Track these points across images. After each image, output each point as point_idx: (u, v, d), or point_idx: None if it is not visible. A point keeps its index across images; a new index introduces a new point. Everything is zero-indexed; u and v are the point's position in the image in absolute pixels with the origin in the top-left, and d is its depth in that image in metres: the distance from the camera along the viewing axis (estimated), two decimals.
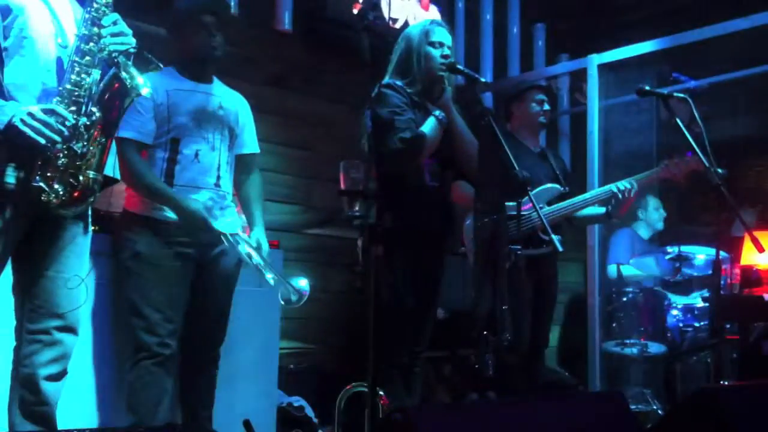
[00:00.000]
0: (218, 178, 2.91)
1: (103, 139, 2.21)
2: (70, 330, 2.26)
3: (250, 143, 3.09)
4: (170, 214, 2.79)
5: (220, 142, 2.92)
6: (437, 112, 2.90)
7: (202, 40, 2.87)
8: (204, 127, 2.88)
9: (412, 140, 2.81)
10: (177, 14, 2.95)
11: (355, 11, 4.26)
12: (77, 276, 2.26)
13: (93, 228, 2.91)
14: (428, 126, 2.88)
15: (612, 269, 4.94)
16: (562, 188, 3.61)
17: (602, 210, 3.60)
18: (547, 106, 3.73)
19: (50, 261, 2.22)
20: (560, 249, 2.69)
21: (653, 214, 5.36)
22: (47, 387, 2.22)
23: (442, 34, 3.01)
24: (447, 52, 2.98)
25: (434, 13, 4.87)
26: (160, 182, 2.78)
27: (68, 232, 2.26)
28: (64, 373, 2.26)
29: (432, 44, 2.97)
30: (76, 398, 2.81)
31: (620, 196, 3.46)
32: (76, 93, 2.16)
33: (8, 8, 2.18)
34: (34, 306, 2.21)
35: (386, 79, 2.95)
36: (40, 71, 2.20)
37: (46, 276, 2.21)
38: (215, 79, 3.01)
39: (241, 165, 3.05)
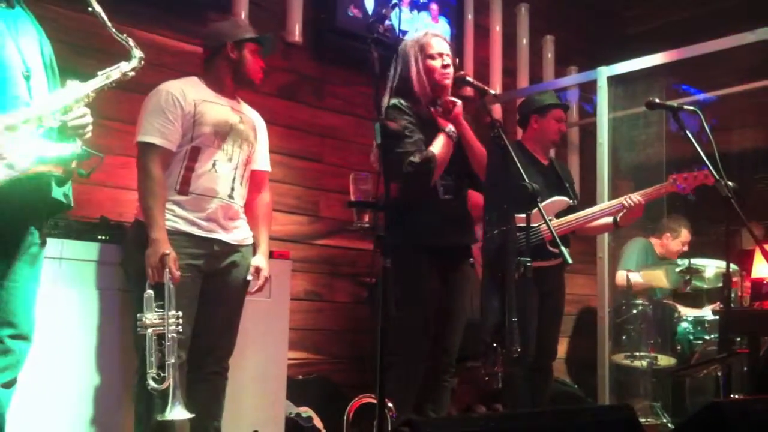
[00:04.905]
0: (232, 189, 2.92)
1: None
2: (23, 338, 2.23)
3: (263, 161, 3.13)
4: (180, 225, 2.81)
5: (237, 156, 2.94)
6: (447, 129, 2.89)
7: (256, 65, 3.01)
8: (225, 140, 2.91)
9: (422, 164, 2.81)
10: (236, 37, 2.98)
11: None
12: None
13: (102, 237, 2.95)
14: (438, 144, 2.86)
15: (621, 275, 4.92)
16: (570, 200, 3.62)
17: (610, 220, 3.65)
18: (564, 126, 3.82)
19: (4, 270, 2.19)
20: (569, 261, 2.69)
21: (675, 246, 5.31)
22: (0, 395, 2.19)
23: (439, 44, 3.00)
24: (447, 61, 2.97)
25: (443, 25, 4.89)
26: (159, 206, 2.76)
27: (28, 241, 2.24)
28: (14, 382, 2.23)
29: (432, 57, 2.97)
30: (83, 407, 2.83)
31: (628, 209, 3.51)
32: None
33: None
34: None
35: (390, 100, 2.91)
36: (4, 97, 2.14)
37: (1, 285, 2.18)
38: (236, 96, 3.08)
39: (253, 182, 3.08)
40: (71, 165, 2.18)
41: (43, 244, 2.30)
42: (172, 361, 2.60)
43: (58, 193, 2.23)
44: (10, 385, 2.22)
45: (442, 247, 2.90)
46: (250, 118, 3.07)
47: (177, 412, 2.57)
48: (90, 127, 2.24)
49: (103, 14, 2.26)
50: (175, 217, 2.82)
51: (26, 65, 2.20)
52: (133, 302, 2.81)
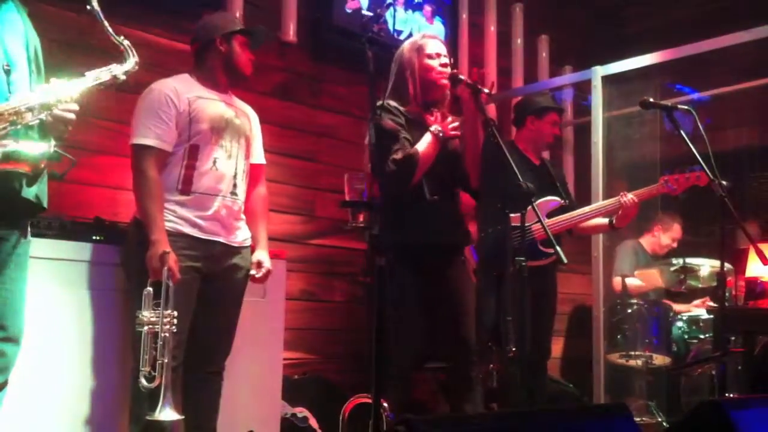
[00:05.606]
0: (234, 186, 2.92)
1: None
2: (12, 341, 2.20)
3: (259, 154, 3.13)
4: (181, 226, 2.81)
5: (236, 151, 2.94)
6: (433, 128, 2.90)
7: (246, 57, 3.00)
8: (222, 136, 2.90)
9: (403, 161, 2.82)
10: (225, 29, 2.97)
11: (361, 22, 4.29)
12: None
13: (96, 238, 2.94)
14: (423, 143, 2.87)
15: (617, 281, 4.94)
16: (561, 200, 3.64)
17: (605, 221, 3.66)
18: (558, 130, 3.88)
19: None
20: (564, 260, 2.69)
21: (665, 239, 5.32)
22: None
23: (436, 46, 3.04)
24: (445, 60, 3.00)
25: (438, 25, 4.89)
26: (157, 207, 2.74)
27: (8, 243, 2.20)
28: (4, 385, 2.21)
29: (430, 56, 3.00)
30: (77, 408, 2.82)
31: (623, 206, 3.53)
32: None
33: None
34: None
35: (382, 101, 2.94)
36: None
37: None
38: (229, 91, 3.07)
39: (250, 176, 3.07)
40: (41, 165, 2.11)
41: (20, 242, 2.24)
42: (165, 360, 2.59)
43: (28, 193, 2.15)
44: (0, 388, 2.21)
45: (430, 246, 2.90)
46: (245, 112, 3.07)
47: (166, 413, 2.56)
48: (70, 126, 2.18)
49: (101, 14, 2.22)
50: (176, 218, 2.81)
51: (8, 58, 2.15)
52: (135, 301, 2.79)
